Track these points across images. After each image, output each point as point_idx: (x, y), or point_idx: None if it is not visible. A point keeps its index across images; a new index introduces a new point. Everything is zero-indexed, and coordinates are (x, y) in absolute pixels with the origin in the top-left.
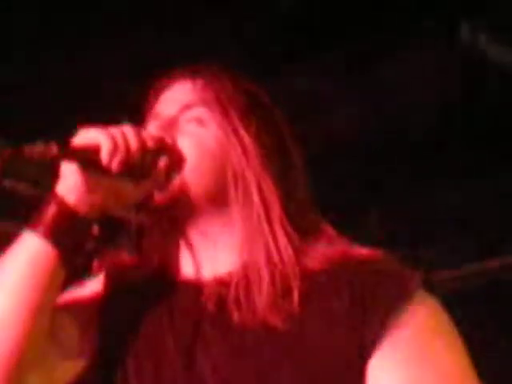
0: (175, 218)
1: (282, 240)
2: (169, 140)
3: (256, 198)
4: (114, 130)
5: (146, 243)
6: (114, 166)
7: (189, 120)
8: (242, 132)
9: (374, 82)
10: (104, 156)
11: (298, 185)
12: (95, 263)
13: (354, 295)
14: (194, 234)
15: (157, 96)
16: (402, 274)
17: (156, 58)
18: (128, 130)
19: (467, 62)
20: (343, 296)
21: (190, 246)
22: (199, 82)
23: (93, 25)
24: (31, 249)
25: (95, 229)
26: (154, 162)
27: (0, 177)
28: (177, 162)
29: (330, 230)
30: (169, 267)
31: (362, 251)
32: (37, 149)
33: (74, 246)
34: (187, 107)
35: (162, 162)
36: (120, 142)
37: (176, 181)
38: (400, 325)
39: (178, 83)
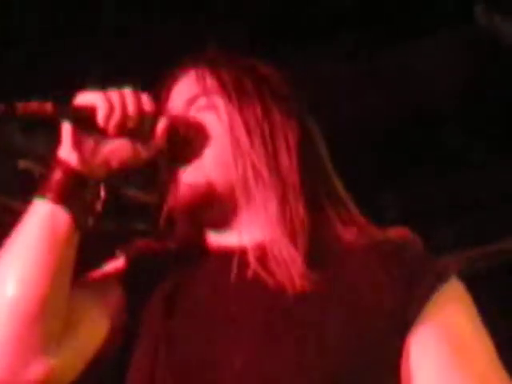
0: (201, 210)
1: (302, 212)
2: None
3: (273, 179)
4: (112, 93)
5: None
6: (111, 127)
7: (197, 111)
8: (247, 114)
9: (388, 69)
10: (100, 117)
11: (317, 159)
12: (120, 248)
13: (397, 271)
14: (218, 216)
15: (167, 91)
16: (437, 260)
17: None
18: (126, 93)
19: (483, 44)
20: (387, 269)
21: (215, 224)
22: (203, 71)
23: None
24: (42, 214)
25: (102, 190)
26: (153, 125)
27: None
28: (203, 135)
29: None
30: (193, 241)
31: (401, 232)
32: (32, 105)
33: (84, 208)
34: (193, 99)
35: (161, 124)
36: (117, 104)
37: (198, 174)
38: (439, 306)
39: (183, 75)
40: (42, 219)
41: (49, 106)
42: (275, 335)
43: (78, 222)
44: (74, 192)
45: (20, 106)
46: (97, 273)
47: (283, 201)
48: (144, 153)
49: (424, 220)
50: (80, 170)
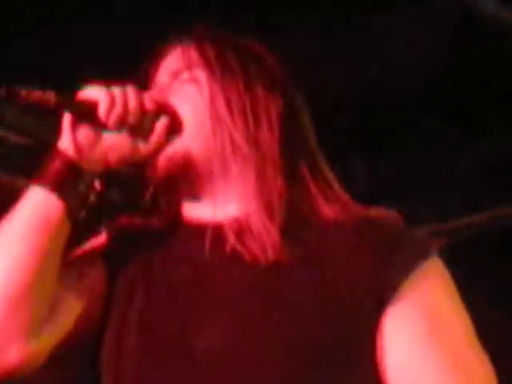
0: (178, 180)
1: (280, 186)
2: (168, 103)
3: (252, 153)
4: (115, 89)
5: (148, 197)
6: (111, 122)
7: (180, 84)
8: (229, 88)
9: (361, 43)
10: (101, 112)
11: (300, 135)
12: (104, 224)
13: (376, 247)
14: (195, 188)
15: (155, 66)
16: (417, 234)
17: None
18: (128, 90)
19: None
20: (366, 245)
21: (192, 196)
22: (189, 47)
23: None
24: (37, 201)
25: (98, 183)
26: (153, 123)
27: None
28: (176, 124)
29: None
30: (173, 216)
31: (383, 211)
32: (35, 94)
33: (78, 199)
34: (177, 73)
35: (161, 123)
36: (118, 100)
37: (177, 145)
38: (417, 283)
39: (170, 51)
40: (35, 206)
41: (52, 96)
42: (251, 308)
43: (70, 211)
44: (69, 182)
45: (23, 93)
46: (80, 250)
47: (261, 175)
48: (143, 150)
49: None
50: (77, 161)
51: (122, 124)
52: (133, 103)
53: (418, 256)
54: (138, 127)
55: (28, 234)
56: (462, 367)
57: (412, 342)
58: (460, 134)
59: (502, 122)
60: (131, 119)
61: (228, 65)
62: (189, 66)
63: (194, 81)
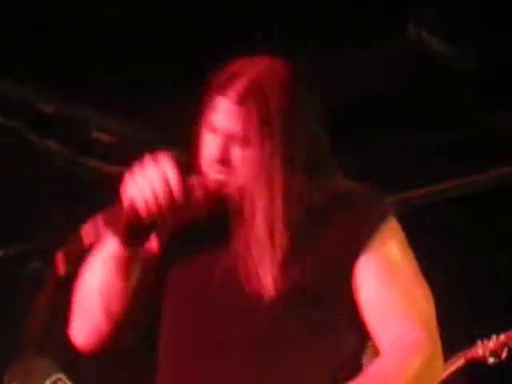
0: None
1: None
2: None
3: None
4: (143, 184)
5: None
6: (152, 217)
7: (236, 141)
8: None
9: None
10: (141, 212)
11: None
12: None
13: (351, 214)
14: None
15: (214, 95)
16: (381, 202)
17: None
18: (157, 178)
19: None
20: (344, 213)
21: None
22: (244, 101)
23: None
24: (111, 250)
25: (156, 226)
26: (189, 197)
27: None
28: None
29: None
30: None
31: (353, 186)
32: (80, 243)
33: (138, 242)
34: (234, 133)
35: (199, 194)
36: (149, 197)
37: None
38: (379, 240)
39: (229, 95)
40: (110, 254)
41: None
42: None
43: (133, 253)
44: (132, 235)
45: (72, 247)
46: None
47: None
48: (189, 213)
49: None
50: (141, 217)
51: (162, 213)
52: (163, 192)
53: (380, 219)
54: (180, 201)
55: (105, 271)
56: (411, 296)
57: (376, 281)
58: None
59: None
60: (169, 203)
61: (277, 124)
62: (243, 127)
63: (248, 140)
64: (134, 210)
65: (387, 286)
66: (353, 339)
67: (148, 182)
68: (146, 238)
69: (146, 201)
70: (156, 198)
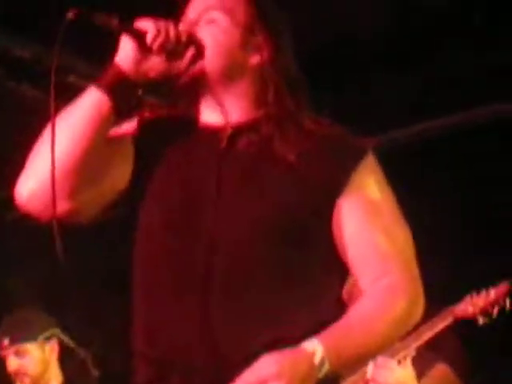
0: (196, 88)
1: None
2: (197, 35)
3: (261, 73)
4: (160, 23)
5: (174, 96)
6: (155, 46)
7: (206, 23)
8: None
9: None
10: (149, 37)
11: (291, 66)
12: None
13: (329, 153)
14: (209, 93)
15: (188, 2)
16: (357, 141)
17: None
18: (170, 24)
19: None
20: (323, 152)
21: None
22: None
23: None
24: (94, 98)
25: (139, 90)
26: (185, 50)
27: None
28: (200, 52)
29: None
30: (191, 116)
31: (334, 127)
32: (102, 16)
33: (123, 100)
34: (205, 10)
35: (190, 51)
36: (162, 30)
37: (198, 65)
38: (358, 177)
39: None
40: (91, 101)
41: (115, 20)
42: (239, 192)
43: (115, 107)
44: (118, 87)
45: (92, 15)
46: (117, 130)
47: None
48: (174, 69)
49: None
50: (127, 73)
51: (162, 49)
52: (172, 34)
53: (357, 158)
54: (173, 52)
55: (82, 122)
56: (391, 236)
57: (357, 221)
58: None
59: None
60: (169, 46)
61: (243, 14)
62: (216, 6)
63: (216, 22)
64: (140, 37)
65: (368, 225)
66: (326, 279)
67: (160, 22)
68: (128, 100)
69: (158, 29)
70: (167, 30)
